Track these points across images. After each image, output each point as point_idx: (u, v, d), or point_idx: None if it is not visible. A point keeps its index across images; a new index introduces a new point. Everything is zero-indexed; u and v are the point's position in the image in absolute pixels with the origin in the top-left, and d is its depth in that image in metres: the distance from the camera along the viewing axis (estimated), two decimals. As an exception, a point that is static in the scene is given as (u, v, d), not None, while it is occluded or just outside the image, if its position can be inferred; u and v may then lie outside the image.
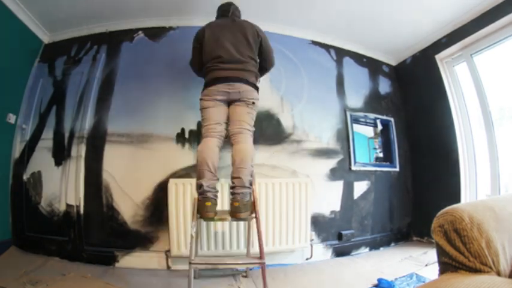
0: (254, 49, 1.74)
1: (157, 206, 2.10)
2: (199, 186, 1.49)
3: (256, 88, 1.73)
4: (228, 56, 1.66)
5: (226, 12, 1.86)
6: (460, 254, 0.64)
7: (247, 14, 1.95)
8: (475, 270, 0.62)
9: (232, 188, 1.51)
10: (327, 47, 2.80)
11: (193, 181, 2.01)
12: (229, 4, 1.90)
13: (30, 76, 2.42)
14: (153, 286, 1.75)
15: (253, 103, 1.68)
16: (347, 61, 2.87)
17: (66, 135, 2.27)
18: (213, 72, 1.68)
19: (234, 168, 1.53)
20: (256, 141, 2.32)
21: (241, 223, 2.01)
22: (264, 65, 1.87)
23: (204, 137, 1.64)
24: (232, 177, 1.53)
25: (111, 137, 2.21)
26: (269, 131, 2.40)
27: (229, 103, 1.69)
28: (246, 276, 1.91)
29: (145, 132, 2.20)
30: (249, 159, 1.54)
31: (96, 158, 2.18)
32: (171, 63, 2.35)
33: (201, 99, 1.70)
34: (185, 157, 2.19)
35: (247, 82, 1.66)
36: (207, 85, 1.69)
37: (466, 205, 0.70)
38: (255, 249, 2.04)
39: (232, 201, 1.49)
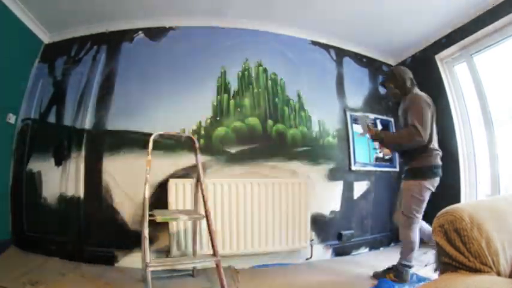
0: None
1: (158, 206, 2.09)
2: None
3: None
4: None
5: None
6: (460, 254, 0.63)
7: (246, 14, 1.92)
8: (475, 270, 0.62)
9: None
10: (326, 47, 2.79)
11: (193, 181, 2.01)
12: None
13: (30, 76, 2.42)
14: (153, 286, 1.74)
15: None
16: (347, 61, 2.87)
17: (66, 135, 2.27)
18: (437, 158, 1.74)
19: None
20: (257, 141, 2.35)
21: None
22: None
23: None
24: None
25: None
26: (269, 131, 2.41)
27: None
28: (193, 276, 1.90)
29: (145, 132, 2.20)
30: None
31: (96, 158, 2.18)
32: (171, 63, 2.35)
33: None
34: (185, 157, 2.19)
35: None
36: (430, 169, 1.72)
37: (466, 205, 0.70)
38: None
39: None
